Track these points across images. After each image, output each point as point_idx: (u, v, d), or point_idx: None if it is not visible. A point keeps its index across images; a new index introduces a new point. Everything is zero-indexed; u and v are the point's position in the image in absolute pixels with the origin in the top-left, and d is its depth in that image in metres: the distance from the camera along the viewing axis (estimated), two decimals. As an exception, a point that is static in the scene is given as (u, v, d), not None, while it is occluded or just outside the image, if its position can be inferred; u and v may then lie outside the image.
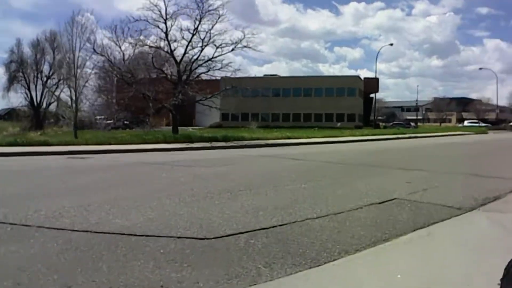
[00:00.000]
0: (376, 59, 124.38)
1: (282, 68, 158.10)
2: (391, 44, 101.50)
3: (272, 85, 68.68)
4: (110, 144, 17.39)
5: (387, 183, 7.80)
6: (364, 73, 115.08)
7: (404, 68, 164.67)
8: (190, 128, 44.05)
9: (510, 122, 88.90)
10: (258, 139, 21.63)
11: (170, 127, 27.45)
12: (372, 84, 66.62)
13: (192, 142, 19.12)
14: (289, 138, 23.50)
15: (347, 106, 65.10)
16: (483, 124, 66.52)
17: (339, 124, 57.92)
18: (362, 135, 29.90)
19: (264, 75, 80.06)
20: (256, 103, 66.66)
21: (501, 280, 1.67)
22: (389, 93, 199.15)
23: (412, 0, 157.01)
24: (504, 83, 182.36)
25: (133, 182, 8.13)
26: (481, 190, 6.89)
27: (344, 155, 14.40)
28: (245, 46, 24.90)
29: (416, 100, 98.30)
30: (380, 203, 5.84)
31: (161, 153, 15.31)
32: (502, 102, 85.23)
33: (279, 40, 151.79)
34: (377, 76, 69.19)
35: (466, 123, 75.98)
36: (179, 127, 25.91)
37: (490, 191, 6.74)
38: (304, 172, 9.56)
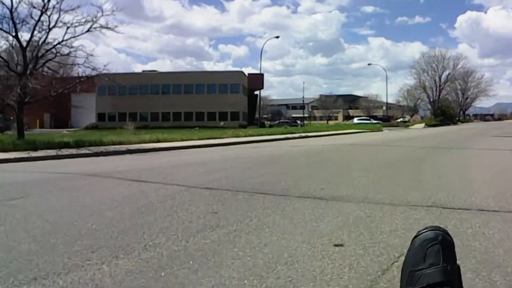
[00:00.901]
0: (261, 54, 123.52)
1: (166, 66, 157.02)
2: (277, 37, 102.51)
3: (151, 82, 68.40)
4: None
5: (303, 253, 3.89)
6: (249, 71, 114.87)
7: (289, 66, 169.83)
8: (64, 130, 42.48)
9: (397, 118, 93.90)
10: (120, 143, 18.74)
11: (45, 130, 22.32)
12: (257, 80, 67.12)
13: (35, 149, 15.96)
14: (159, 141, 20.71)
15: (231, 104, 65.39)
16: (375, 121, 67.97)
17: (222, 123, 57.64)
18: (246, 136, 27.59)
19: (143, 71, 78.50)
20: (134, 101, 66.09)
21: None
22: (274, 91, 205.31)
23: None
24: (389, 80, 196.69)
25: None
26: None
27: (219, 169, 10.42)
28: (103, 27, 20.82)
29: (303, 97, 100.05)
30: None
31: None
32: (389, 99, 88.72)
33: (163, 37, 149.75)
34: (262, 73, 68.88)
35: (355, 120, 77.64)
36: (53, 129, 21.07)
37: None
38: (135, 219, 5.35)
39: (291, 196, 6.54)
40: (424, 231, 1.59)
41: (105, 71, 22.38)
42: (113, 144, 18.53)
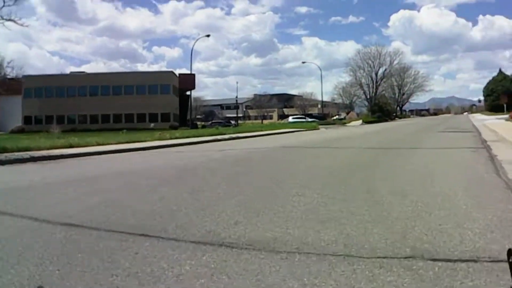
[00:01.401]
0: (191, 53, 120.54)
1: (100, 69, 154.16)
2: (208, 35, 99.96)
3: (79, 83, 67.45)
4: None
5: None
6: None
7: (223, 67, 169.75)
8: (-11, 135, 44.03)
9: (333, 116, 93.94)
10: (26, 149, 16.65)
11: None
12: (188, 80, 66.18)
13: None
14: (71, 146, 18.47)
15: (161, 105, 65.03)
16: (310, 119, 67.01)
17: (152, 124, 56.77)
18: (172, 138, 25.30)
19: (71, 72, 77.17)
20: (62, 104, 65.51)
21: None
22: (208, 91, 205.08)
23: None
24: (323, 79, 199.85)
25: None
26: None
27: (108, 189, 7.85)
28: (7, 20, 18.77)
29: (236, 97, 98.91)
30: None
31: None
32: (324, 97, 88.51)
33: (97, 40, 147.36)
34: (195, 74, 68.57)
35: (290, 119, 76.59)
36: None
37: None
38: None
39: (185, 241, 4.17)
40: None
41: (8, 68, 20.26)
42: (18, 150, 16.33)
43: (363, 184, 7.13)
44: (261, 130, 37.38)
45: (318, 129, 42.71)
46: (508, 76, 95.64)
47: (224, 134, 30.39)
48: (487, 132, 20.72)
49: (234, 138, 26.47)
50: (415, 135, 23.12)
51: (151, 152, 17.26)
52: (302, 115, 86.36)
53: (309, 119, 69.19)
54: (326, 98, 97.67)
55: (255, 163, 11.41)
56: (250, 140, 24.64)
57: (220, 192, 6.84)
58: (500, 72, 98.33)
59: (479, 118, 53.18)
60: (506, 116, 48.32)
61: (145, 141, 22.79)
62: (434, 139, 18.55)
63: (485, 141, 15.08)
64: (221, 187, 7.31)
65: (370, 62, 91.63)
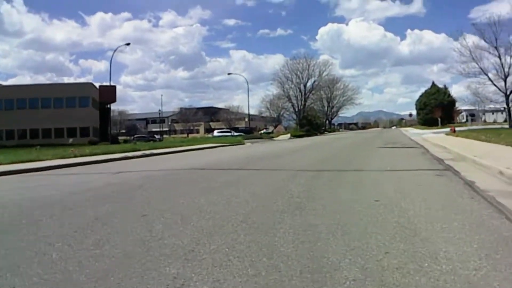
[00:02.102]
0: (111, 63, 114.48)
1: (26, 83, 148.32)
2: (128, 44, 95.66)
3: None
4: None
5: None
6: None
7: (151, 80, 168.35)
8: None
9: (260, 129, 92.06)
10: None
11: None
12: (109, 92, 64.38)
13: None
14: None
15: (80, 119, 62.92)
16: (236, 134, 64.60)
17: (71, 140, 55.58)
18: (77, 156, 22.37)
19: None
20: None
21: None
22: (135, 106, 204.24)
23: (160, 11, 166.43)
24: (251, 92, 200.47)
25: None
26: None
27: None
28: None
29: (160, 111, 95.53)
30: None
31: None
32: (251, 111, 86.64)
33: (23, 53, 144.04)
34: (122, 87, 65.59)
35: (216, 133, 73.89)
36: None
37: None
38: None
39: None
40: None
41: None
42: None
43: (301, 249, 4.03)
44: (181, 146, 34.48)
45: (244, 143, 40.36)
46: (441, 89, 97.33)
47: (139, 150, 27.89)
48: (434, 148, 18.62)
49: (147, 155, 23.65)
50: (354, 151, 20.60)
51: (39, 174, 14.18)
52: (228, 129, 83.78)
53: (235, 133, 66.78)
54: (253, 112, 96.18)
55: (142, 197, 8.04)
56: (163, 158, 21.52)
57: (38, 272, 3.53)
58: (433, 85, 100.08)
59: (414, 132, 52.69)
60: (444, 130, 48.04)
61: (43, 160, 20.09)
62: (378, 157, 15.87)
63: (442, 160, 12.62)
64: (45, 261, 3.97)
65: (298, 73, 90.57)
